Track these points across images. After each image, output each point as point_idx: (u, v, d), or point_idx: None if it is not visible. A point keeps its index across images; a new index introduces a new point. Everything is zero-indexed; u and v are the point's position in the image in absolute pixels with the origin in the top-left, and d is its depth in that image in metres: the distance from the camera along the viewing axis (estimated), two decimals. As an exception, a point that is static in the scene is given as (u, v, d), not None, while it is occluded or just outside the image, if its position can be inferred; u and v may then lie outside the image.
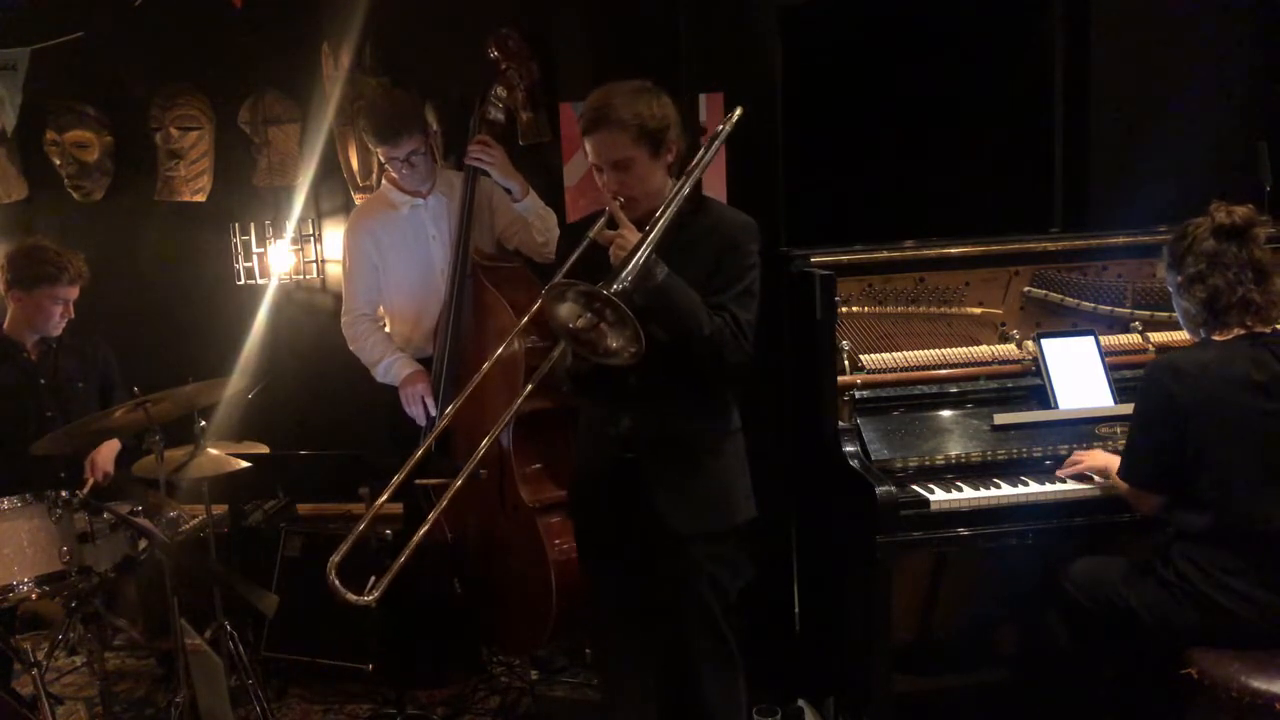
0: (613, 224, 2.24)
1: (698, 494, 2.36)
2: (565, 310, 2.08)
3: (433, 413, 3.36)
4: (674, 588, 2.40)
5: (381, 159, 3.40)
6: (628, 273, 2.05)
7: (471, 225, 3.37)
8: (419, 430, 3.37)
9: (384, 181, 3.55)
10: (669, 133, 2.30)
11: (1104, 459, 2.67)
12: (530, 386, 2.29)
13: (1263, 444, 2.33)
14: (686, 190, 2.27)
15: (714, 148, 2.40)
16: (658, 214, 2.20)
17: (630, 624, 2.52)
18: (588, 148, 2.30)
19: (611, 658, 2.64)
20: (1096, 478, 2.68)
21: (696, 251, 2.29)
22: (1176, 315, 2.58)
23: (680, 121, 2.35)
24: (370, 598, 1.97)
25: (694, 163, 2.35)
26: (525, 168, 3.48)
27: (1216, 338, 2.42)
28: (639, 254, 2.09)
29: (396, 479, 2.13)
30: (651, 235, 2.13)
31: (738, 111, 2.48)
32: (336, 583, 1.95)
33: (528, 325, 2.35)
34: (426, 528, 2.08)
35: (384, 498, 2.10)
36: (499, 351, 2.29)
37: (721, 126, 2.46)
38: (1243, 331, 2.39)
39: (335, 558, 1.98)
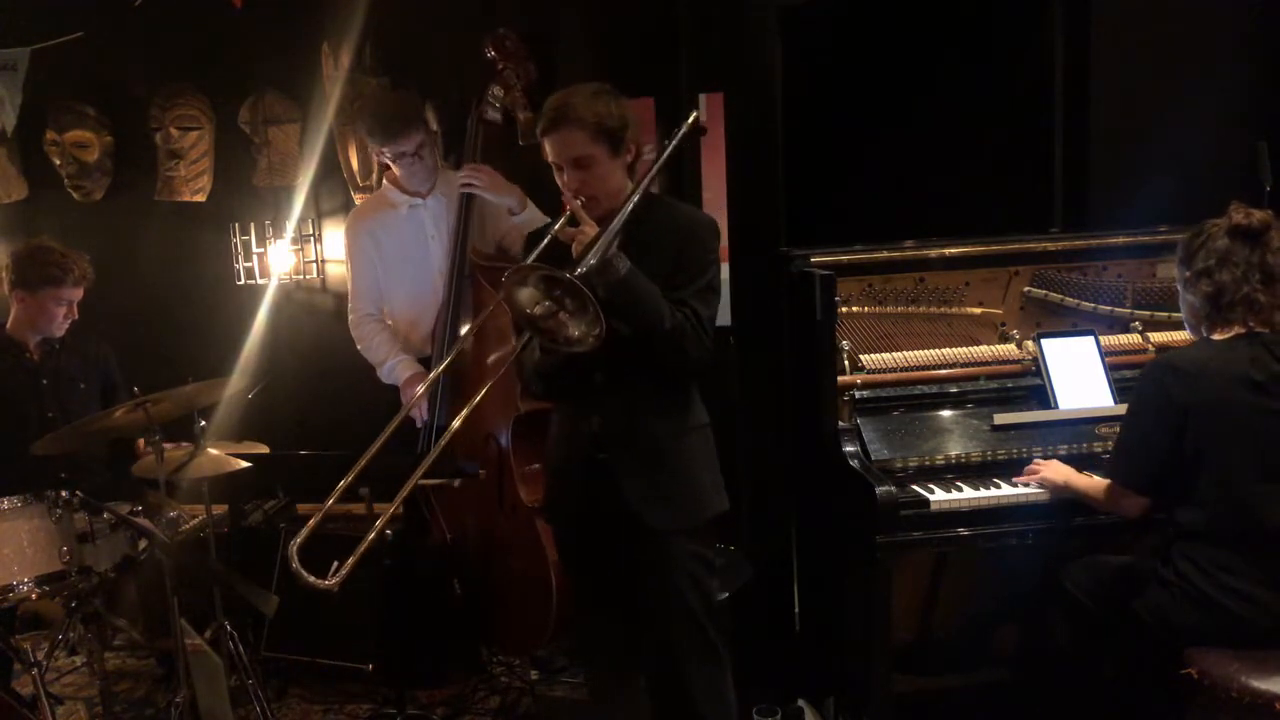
0: (574, 223, 2.26)
1: (668, 490, 2.36)
2: (525, 295, 2.10)
3: (426, 415, 3.37)
4: (654, 586, 2.40)
5: (388, 159, 3.39)
6: (590, 257, 2.08)
7: (469, 232, 3.37)
8: (417, 431, 3.37)
9: (384, 181, 3.55)
10: (627, 132, 2.34)
11: (1064, 472, 2.65)
12: (500, 373, 2.41)
13: (1262, 443, 2.33)
14: (645, 185, 2.29)
15: (670, 147, 2.43)
16: (619, 207, 2.23)
17: (617, 624, 2.52)
18: (548, 148, 2.34)
19: (603, 658, 2.63)
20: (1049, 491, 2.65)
21: (657, 248, 2.31)
22: (1178, 314, 2.58)
23: (637, 122, 2.39)
24: (331, 582, 2.03)
25: (654, 160, 2.38)
26: (523, 168, 3.48)
27: (1216, 336, 2.42)
28: (601, 240, 2.12)
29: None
30: (613, 225, 2.16)
31: (693, 115, 2.54)
32: (299, 567, 2.01)
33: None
34: (392, 509, 2.20)
35: (333, 491, 2.20)
36: (473, 331, 2.30)
37: (678, 129, 2.49)
38: (1243, 330, 2.39)
39: (296, 541, 2.07)
